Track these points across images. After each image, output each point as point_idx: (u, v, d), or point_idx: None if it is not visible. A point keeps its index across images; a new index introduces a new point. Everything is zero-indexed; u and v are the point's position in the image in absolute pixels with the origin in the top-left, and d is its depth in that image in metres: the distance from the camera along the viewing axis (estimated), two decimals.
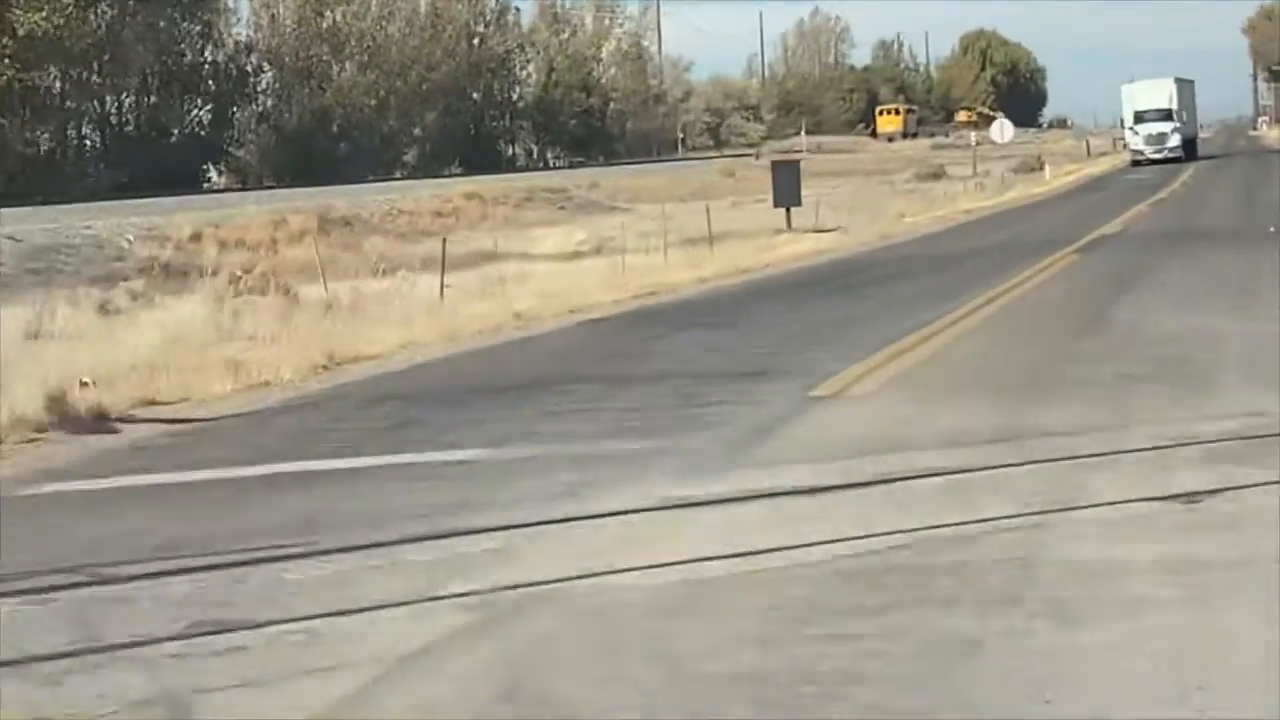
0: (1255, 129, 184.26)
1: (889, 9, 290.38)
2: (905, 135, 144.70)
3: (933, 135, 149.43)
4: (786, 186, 41.48)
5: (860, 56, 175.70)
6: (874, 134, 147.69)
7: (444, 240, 27.92)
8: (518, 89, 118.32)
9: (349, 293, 25.36)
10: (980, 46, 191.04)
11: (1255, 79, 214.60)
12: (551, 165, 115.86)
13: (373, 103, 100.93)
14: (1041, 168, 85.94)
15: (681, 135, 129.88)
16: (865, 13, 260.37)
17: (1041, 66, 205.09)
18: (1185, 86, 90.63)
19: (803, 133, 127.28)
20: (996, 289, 21.71)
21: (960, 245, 32.79)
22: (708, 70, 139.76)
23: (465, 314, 22.13)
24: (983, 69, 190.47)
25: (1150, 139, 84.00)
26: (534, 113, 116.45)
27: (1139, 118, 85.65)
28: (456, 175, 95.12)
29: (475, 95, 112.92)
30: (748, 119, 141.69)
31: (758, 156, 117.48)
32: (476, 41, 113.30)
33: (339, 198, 69.15)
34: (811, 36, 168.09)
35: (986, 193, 59.85)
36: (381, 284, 27.98)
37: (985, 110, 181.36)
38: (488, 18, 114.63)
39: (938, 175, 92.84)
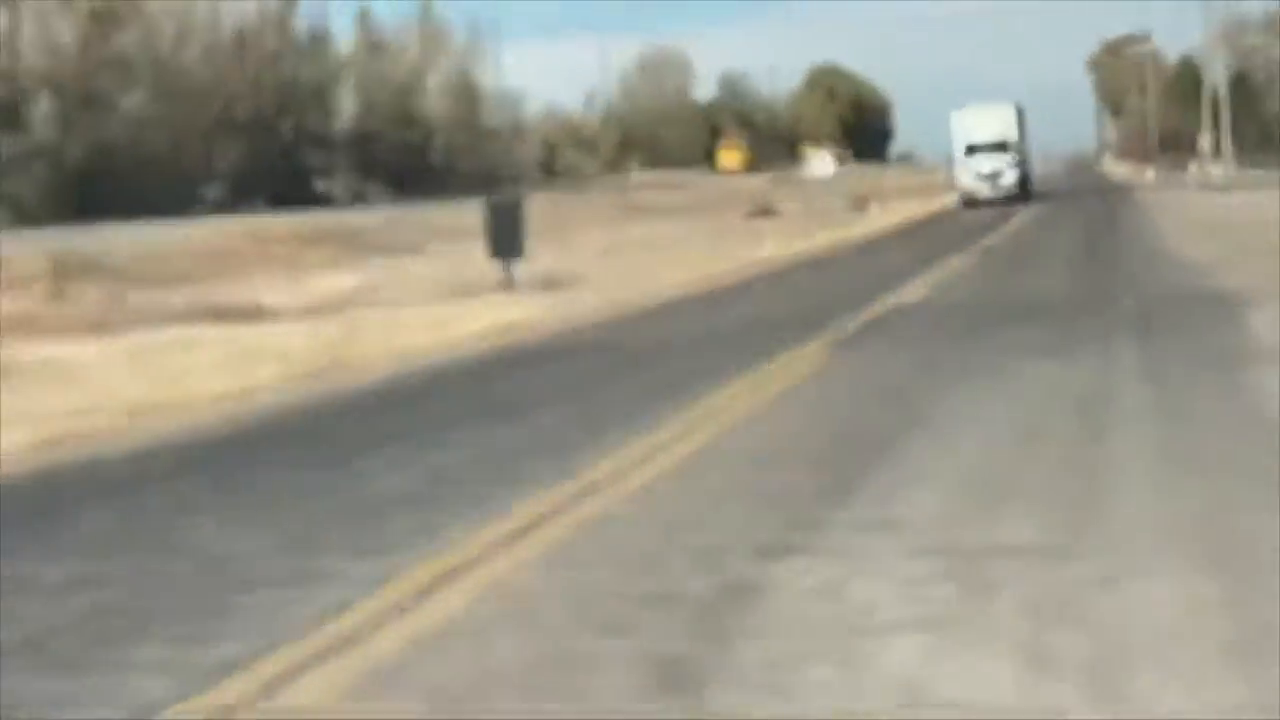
0: (1100, 164, 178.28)
1: (734, 43, 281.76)
2: (746, 170, 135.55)
3: (775, 170, 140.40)
4: (505, 233, 31.16)
5: (705, 90, 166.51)
6: (715, 169, 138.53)
7: None
8: (334, 121, 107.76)
9: None
10: (827, 81, 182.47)
11: (1099, 115, 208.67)
12: (370, 202, 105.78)
13: (166, 136, 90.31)
14: (866, 206, 77.01)
15: (510, 172, 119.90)
16: (709, 46, 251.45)
17: (888, 101, 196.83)
18: (1021, 115, 75.80)
19: (634, 166, 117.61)
20: (600, 462, 11.74)
21: (689, 325, 22.97)
22: (544, 104, 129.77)
23: None
24: (830, 103, 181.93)
25: (983, 176, 69.74)
26: (351, 147, 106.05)
27: (970, 150, 71.03)
28: (261, 213, 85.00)
29: (287, 128, 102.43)
30: (584, 154, 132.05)
31: (588, 190, 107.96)
32: (288, 71, 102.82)
33: (114, 236, 60.55)
34: (652, 70, 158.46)
35: (798, 236, 50.35)
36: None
37: (830, 146, 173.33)
38: (299, 46, 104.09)
39: (768, 212, 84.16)
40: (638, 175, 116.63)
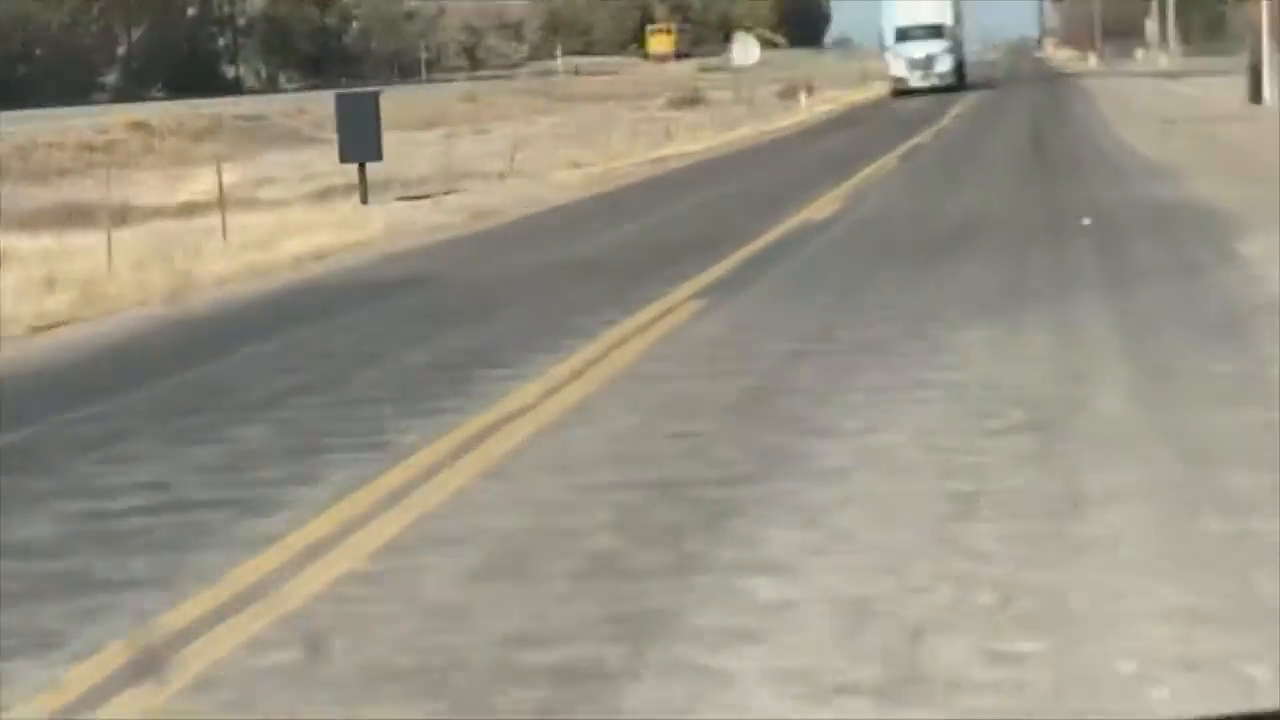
0: (1041, 51, 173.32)
1: None
2: (677, 57, 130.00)
3: (706, 57, 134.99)
4: (358, 132, 26.14)
5: None
6: (646, 55, 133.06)
7: None
8: (242, 3, 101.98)
9: None
10: None
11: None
12: (282, 89, 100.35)
13: (61, 18, 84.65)
14: (798, 95, 72.07)
15: (426, 55, 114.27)
16: None
17: None
18: None
19: (558, 53, 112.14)
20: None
21: (546, 252, 18.31)
22: None
23: None
24: None
25: (915, 63, 63.85)
26: (261, 30, 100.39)
27: (902, 35, 65.29)
28: (159, 99, 79.72)
29: (190, 10, 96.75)
30: (509, 39, 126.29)
31: (513, 77, 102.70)
32: None
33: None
34: None
35: (715, 128, 45.62)
36: None
37: (764, 32, 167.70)
38: None
39: (694, 101, 79.28)
40: (565, 61, 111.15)
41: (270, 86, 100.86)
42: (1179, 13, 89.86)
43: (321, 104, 79.05)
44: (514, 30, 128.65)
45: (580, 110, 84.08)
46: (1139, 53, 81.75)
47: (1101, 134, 31.83)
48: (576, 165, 34.04)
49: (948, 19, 66.03)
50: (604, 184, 28.05)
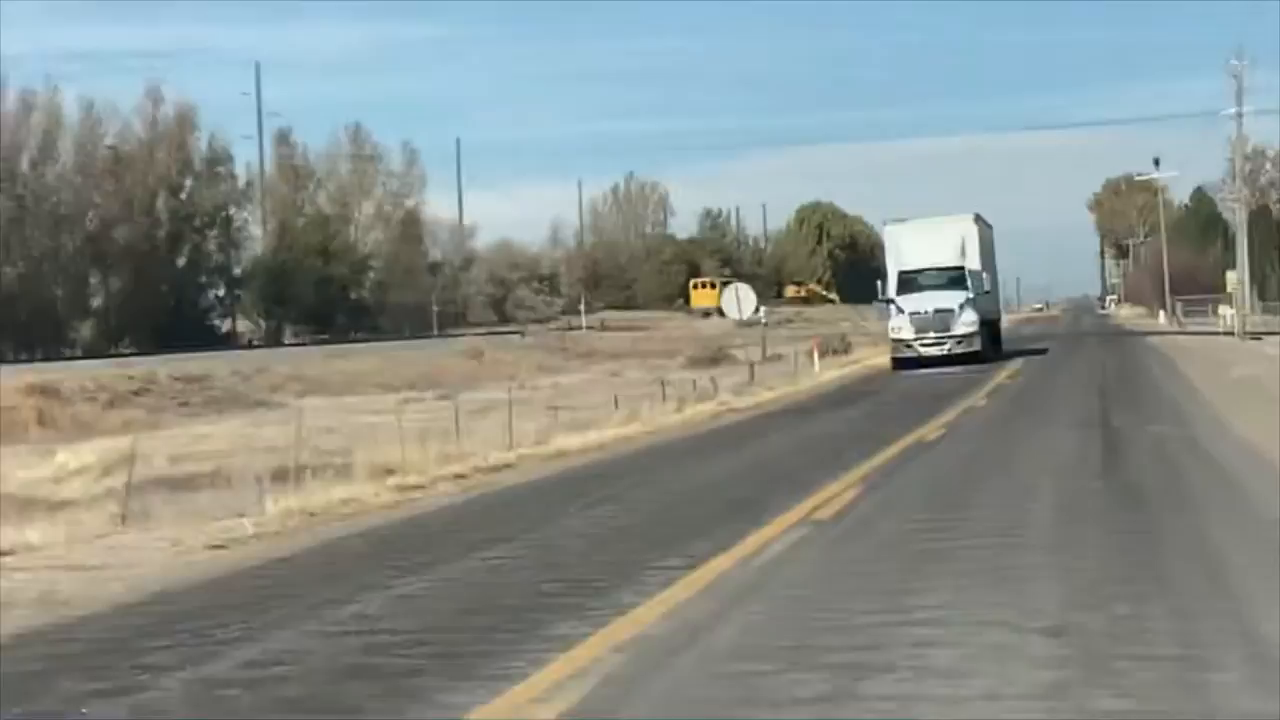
0: (1104, 307, 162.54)
1: (716, 184, 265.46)
2: (721, 313, 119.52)
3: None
4: None
5: (683, 226, 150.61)
6: (690, 310, 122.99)
7: None
8: (239, 252, 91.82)
9: None
10: (816, 219, 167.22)
11: (1103, 256, 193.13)
12: (283, 343, 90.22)
13: (19, 268, 74.86)
14: (835, 352, 61.07)
15: (452, 308, 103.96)
16: (689, 188, 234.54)
17: (882, 241, 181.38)
18: (986, 234, 50.97)
19: (582, 307, 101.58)
20: None
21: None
22: (499, 237, 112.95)
23: None
24: (819, 242, 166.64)
25: (923, 320, 44.80)
26: (259, 281, 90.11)
27: (907, 284, 46.24)
28: (126, 355, 69.57)
29: (179, 260, 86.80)
30: (539, 291, 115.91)
31: (523, 335, 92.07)
32: (183, 196, 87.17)
33: None
34: (627, 202, 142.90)
35: (678, 404, 34.21)
36: None
37: (815, 286, 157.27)
38: (196, 168, 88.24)
39: (716, 360, 69.05)
40: (598, 316, 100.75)
41: (272, 340, 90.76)
42: (1251, 265, 78.17)
43: (303, 359, 68.94)
44: (549, 283, 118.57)
45: (592, 367, 73.59)
46: (1224, 310, 69.78)
47: (1212, 435, 20.04)
48: (531, 436, 22.61)
49: (971, 261, 47.03)
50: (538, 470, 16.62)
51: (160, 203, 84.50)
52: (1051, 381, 34.95)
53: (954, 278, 45.65)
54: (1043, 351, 51.51)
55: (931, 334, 44.64)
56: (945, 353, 44.04)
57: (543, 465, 20.79)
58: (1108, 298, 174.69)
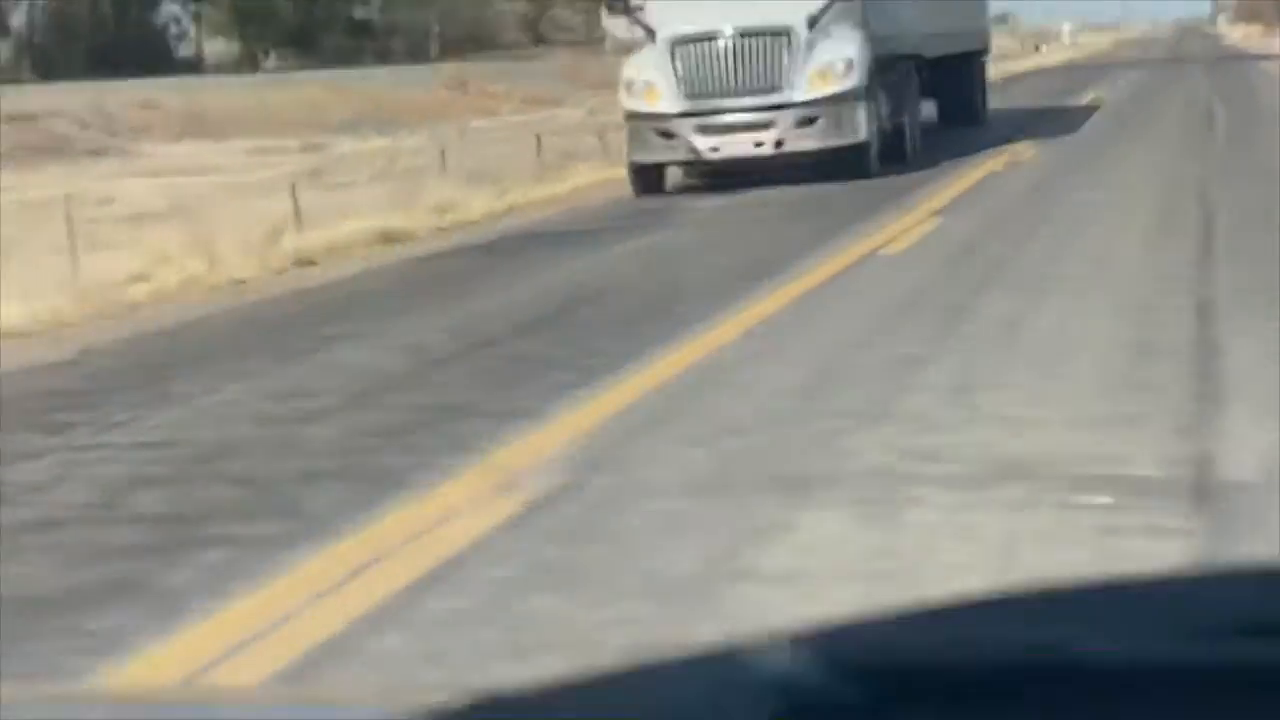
0: (1214, 27, 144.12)
1: None
2: None
3: None
4: None
5: None
6: None
7: None
8: None
9: None
10: None
11: None
12: (262, 68, 75.99)
13: None
14: None
15: (481, 31, 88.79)
16: None
17: None
18: None
19: (603, 20, 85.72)
20: None
21: None
22: None
23: None
24: None
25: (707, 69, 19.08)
26: None
27: (681, 43, 19.04)
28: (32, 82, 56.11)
29: None
30: (580, 11, 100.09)
31: (533, 58, 77.01)
32: None
33: None
34: None
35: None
36: None
37: None
38: None
39: None
40: (613, 39, 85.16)
41: (247, 67, 76.54)
42: None
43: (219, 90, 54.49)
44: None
45: (593, 101, 59.10)
46: None
47: None
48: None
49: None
50: None
51: None
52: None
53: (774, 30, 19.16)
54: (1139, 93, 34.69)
55: (715, 139, 19.02)
56: (766, 151, 18.90)
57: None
58: (1219, 15, 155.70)
